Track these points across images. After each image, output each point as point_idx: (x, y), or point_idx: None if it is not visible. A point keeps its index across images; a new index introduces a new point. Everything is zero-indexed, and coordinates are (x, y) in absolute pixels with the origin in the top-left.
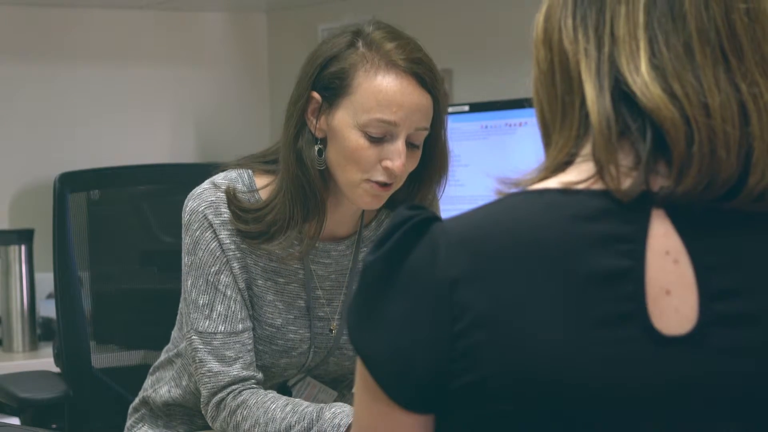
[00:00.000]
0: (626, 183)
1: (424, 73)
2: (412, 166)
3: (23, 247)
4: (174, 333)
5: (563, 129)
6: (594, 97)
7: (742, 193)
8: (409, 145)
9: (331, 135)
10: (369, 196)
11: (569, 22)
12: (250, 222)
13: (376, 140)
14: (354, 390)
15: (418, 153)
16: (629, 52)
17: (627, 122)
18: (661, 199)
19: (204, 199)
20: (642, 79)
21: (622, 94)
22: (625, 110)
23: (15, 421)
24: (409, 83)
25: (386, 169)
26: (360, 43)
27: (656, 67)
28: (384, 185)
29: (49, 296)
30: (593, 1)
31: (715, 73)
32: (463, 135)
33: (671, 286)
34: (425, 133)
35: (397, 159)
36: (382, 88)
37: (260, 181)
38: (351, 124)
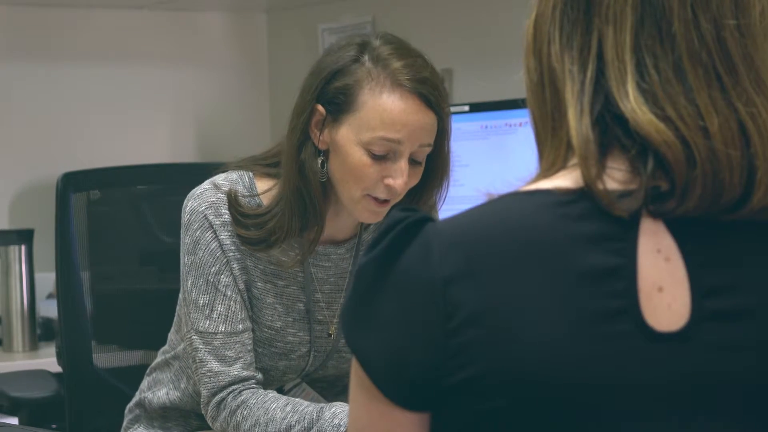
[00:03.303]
0: (621, 201)
1: (429, 93)
2: (414, 182)
3: (23, 247)
4: (171, 335)
5: (553, 145)
6: (574, 122)
7: (744, 210)
8: (412, 161)
9: (333, 148)
10: (368, 212)
11: (556, 36)
12: (251, 228)
13: (379, 158)
14: (349, 390)
15: (420, 169)
16: (618, 76)
17: (624, 144)
18: (659, 214)
19: (204, 200)
20: (631, 104)
21: (615, 117)
22: (620, 133)
23: (15, 421)
24: (414, 102)
25: (388, 187)
26: (366, 58)
27: (645, 91)
28: (384, 201)
29: (49, 296)
30: (579, 19)
31: (710, 94)
32: (463, 135)
33: (663, 283)
34: (428, 150)
35: (399, 177)
36: (387, 107)
37: (261, 184)
38: (354, 141)
